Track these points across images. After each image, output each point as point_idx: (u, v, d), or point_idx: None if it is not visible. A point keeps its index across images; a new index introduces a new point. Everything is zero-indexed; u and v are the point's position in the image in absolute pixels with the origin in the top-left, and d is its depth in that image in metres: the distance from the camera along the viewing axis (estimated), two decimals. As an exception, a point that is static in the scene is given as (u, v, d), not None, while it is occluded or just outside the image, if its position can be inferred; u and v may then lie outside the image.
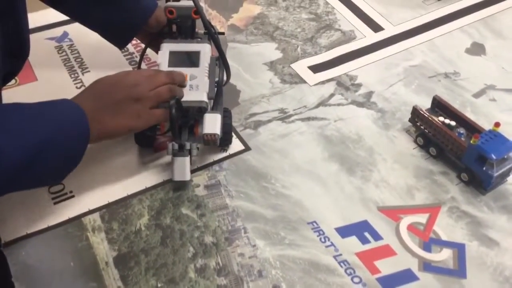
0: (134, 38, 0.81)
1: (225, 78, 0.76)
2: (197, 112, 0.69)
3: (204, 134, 0.68)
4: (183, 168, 0.69)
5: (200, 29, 0.76)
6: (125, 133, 0.66)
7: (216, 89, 0.72)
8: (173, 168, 0.69)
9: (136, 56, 0.91)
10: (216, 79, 0.73)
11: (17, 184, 0.59)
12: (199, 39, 0.76)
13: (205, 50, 0.73)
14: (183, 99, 0.67)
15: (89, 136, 0.61)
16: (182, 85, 0.70)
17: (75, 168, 0.62)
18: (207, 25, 0.71)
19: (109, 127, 0.63)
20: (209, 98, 0.70)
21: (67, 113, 0.61)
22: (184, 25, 0.75)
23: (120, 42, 0.81)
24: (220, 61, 0.74)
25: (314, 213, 0.69)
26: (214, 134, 0.68)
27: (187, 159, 0.69)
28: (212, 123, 0.68)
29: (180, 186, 0.71)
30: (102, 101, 0.63)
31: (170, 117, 0.65)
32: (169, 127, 0.68)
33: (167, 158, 0.74)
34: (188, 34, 0.75)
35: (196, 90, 0.69)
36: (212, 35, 0.72)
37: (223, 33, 0.73)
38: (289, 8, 1.05)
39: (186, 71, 0.71)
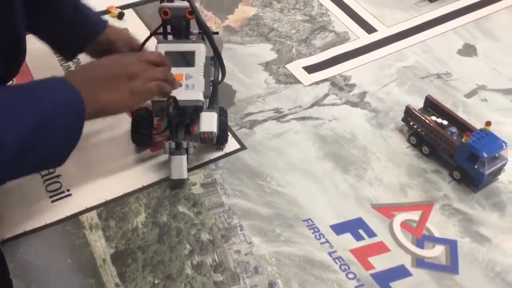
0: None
1: (220, 76, 0.77)
2: (193, 111, 0.70)
3: (201, 132, 0.69)
4: (180, 166, 0.70)
5: (194, 29, 0.77)
6: (119, 109, 0.65)
7: (211, 88, 0.73)
8: (170, 166, 0.70)
9: (133, 57, 0.92)
10: (212, 78, 0.74)
11: (19, 168, 0.57)
12: (194, 39, 0.77)
13: (200, 50, 0.74)
14: (180, 98, 0.68)
15: (84, 112, 0.60)
16: (171, 80, 0.70)
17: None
18: (203, 24, 0.72)
19: (103, 102, 0.62)
20: (205, 97, 0.71)
21: (60, 91, 0.60)
22: (179, 26, 0.75)
23: (67, 55, 0.83)
24: (215, 60, 0.75)
25: (309, 210, 0.70)
26: (211, 132, 0.69)
27: (184, 157, 0.70)
28: (208, 122, 0.69)
29: (177, 184, 0.72)
30: (95, 77, 0.63)
31: (168, 115, 0.65)
32: (167, 125, 0.68)
33: (164, 157, 0.75)
34: (183, 34, 0.76)
35: (192, 89, 0.70)
36: (207, 34, 0.73)
37: (217, 33, 0.74)
38: (284, 10, 1.06)
39: (182, 70, 0.71)
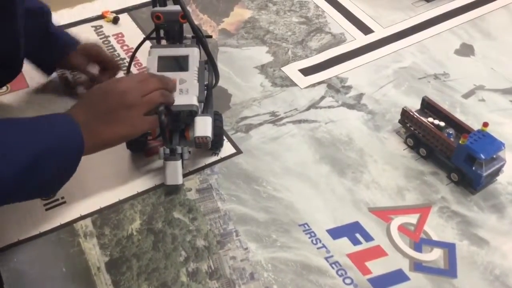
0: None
1: (214, 81, 0.77)
2: (187, 115, 0.69)
3: (195, 137, 0.68)
4: (175, 172, 0.69)
5: (188, 33, 0.76)
6: (120, 142, 0.66)
7: (205, 92, 0.73)
8: (165, 172, 0.69)
9: (127, 62, 0.91)
10: (206, 82, 0.74)
11: (11, 197, 0.59)
12: (187, 43, 0.76)
13: (194, 54, 0.73)
14: (176, 103, 0.67)
15: (83, 148, 0.61)
16: (172, 90, 0.70)
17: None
18: (195, 28, 0.71)
19: (104, 137, 0.63)
20: (199, 102, 0.70)
21: (62, 127, 0.61)
22: (172, 30, 0.75)
23: (44, 71, 0.86)
24: (209, 64, 0.75)
25: (305, 215, 0.69)
26: (206, 137, 0.68)
27: (179, 163, 0.69)
28: (203, 126, 0.69)
29: (172, 190, 0.71)
30: (95, 112, 0.63)
31: (160, 123, 0.65)
32: (161, 131, 0.68)
33: (159, 163, 0.74)
34: (176, 38, 0.76)
35: (186, 93, 0.70)
36: (200, 39, 0.73)
37: (210, 36, 0.74)
38: (280, 12, 1.05)
39: (176, 75, 0.71)
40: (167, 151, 0.69)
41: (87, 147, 0.61)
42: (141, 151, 0.75)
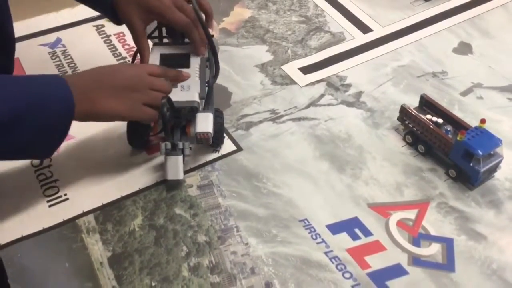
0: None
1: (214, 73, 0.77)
2: (189, 112, 0.70)
3: (197, 133, 0.69)
4: (176, 167, 0.70)
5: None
6: (113, 119, 0.67)
7: (206, 89, 0.74)
8: (166, 167, 0.70)
9: (129, 61, 0.92)
10: (207, 79, 0.75)
11: None
12: (188, 42, 0.77)
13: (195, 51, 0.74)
14: (175, 99, 0.68)
15: (73, 112, 0.61)
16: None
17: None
18: (203, 24, 0.72)
19: (99, 108, 0.63)
20: (200, 98, 0.71)
21: (50, 86, 0.60)
22: (174, 30, 0.76)
23: (109, 16, 0.79)
24: (211, 61, 0.76)
25: (305, 211, 0.70)
26: (207, 133, 0.69)
27: (180, 158, 0.70)
28: (204, 122, 0.70)
29: (174, 186, 0.72)
30: (99, 83, 0.64)
31: (162, 116, 0.66)
32: (162, 126, 0.69)
33: (160, 159, 0.75)
34: (178, 37, 0.77)
35: (188, 90, 0.70)
36: (207, 35, 0.73)
37: (212, 36, 0.74)
38: (280, 11, 1.06)
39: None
40: (168, 146, 0.70)
41: (80, 112, 0.61)
42: (142, 147, 0.76)
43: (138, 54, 0.75)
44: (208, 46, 0.75)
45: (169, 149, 0.70)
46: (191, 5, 0.73)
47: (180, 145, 0.70)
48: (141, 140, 0.75)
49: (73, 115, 0.61)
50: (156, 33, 0.78)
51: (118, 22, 0.77)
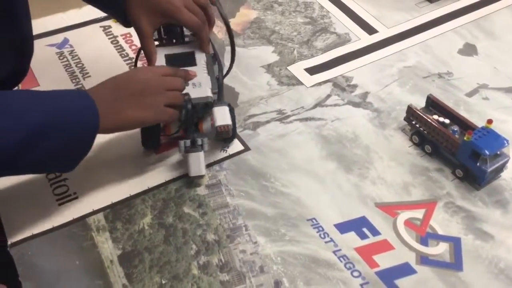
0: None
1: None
2: (203, 107, 0.70)
3: (217, 126, 0.70)
4: (198, 163, 0.71)
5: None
6: (139, 125, 0.68)
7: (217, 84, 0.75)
8: (189, 164, 0.71)
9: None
10: (216, 74, 0.75)
11: (18, 165, 0.58)
12: (187, 40, 0.78)
13: (198, 49, 0.76)
14: (191, 96, 0.69)
15: (97, 125, 0.61)
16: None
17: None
18: (228, 24, 0.75)
19: (125, 118, 0.64)
20: (213, 93, 0.72)
21: (74, 100, 0.61)
22: (174, 28, 0.77)
23: (119, 19, 0.78)
24: (218, 58, 0.77)
25: (313, 210, 0.70)
26: (227, 125, 0.70)
27: (201, 153, 0.71)
28: (222, 115, 0.71)
29: (195, 181, 0.73)
30: (118, 92, 0.64)
31: (186, 112, 0.67)
32: (182, 123, 0.69)
33: (168, 159, 0.76)
34: (178, 38, 0.78)
35: (200, 87, 0.71)
36: (227, 25, 0.76)
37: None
38: (285, 13, 1.07)
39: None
40: (188, 143, 0.70)
41: (105, 125, 0.62)
42: (156, 148, 0.77)
43: (143, 54, 0.76)
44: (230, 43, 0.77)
45: (188, 146, 0.70)
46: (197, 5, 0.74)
47: (199, 141, 0.71)
48: (156, 141, 0.76)
49: (98, 128, 0.62)
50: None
51: (127, 24, 0.77)
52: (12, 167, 0.59)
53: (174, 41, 0.79)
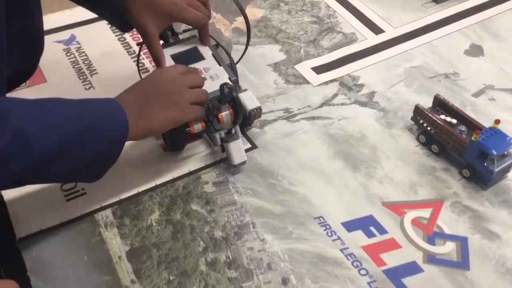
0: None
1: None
2: (227, 95, 0.70)
3: (250, 110, 0.72)
4: (239, 150, 0.72)
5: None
6: (170, 126, 0.67)
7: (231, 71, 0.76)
8: (230, 153, 0.72)
9: (143, 58, 0.93)
10: (227, 62, 0.77)
11: (48, 173, 0.58)
12: (183, 38, 0.79)
13: (199, 43, 0.77)
14: (212, 89, 0.70)
15: (127, 132, 0.61)
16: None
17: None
18: (244, 13, 0.77)
19: (156, 122, 0.64)
20: (231, 80, 0.73)
21: (104, 109, 0.61)
22: (163, 32, 0.77)
23: (121, 27, 0.78)
24: (222, 47, 0.79)
25: (320, 208, 0.71)
26: (259, 107, 0.73)
27: (240, 140, 0.72)
28: (250, 99, 0.73)
29: (238, 168, 0.74)
30: (145, 97, 0.64)
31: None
32: (208, 119, 0.70)
33: (175, 156, 0.76)
34: (174, 35, 0.79)
35: (217, 78, 0.73)
36: (241, 10, 0.78)
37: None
38: (292, 12, 1.07)
39: (197, 66, 0.74)
40: (222, 134, 0.71)
41: (134, 131, 0.62)
42: (182, 149, 0.76)
43: (148, 52, 0.76)
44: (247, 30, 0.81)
45: (224, 136, 0.71)
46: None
47: (233, 130, 0.72)
48: (183, 142, 0.75)
49: (127, 136, 0.62)
50: None
51: (124, 29, 0.77)
52: (45, 175, 0.59)
53: (172, 40, 0.79)
